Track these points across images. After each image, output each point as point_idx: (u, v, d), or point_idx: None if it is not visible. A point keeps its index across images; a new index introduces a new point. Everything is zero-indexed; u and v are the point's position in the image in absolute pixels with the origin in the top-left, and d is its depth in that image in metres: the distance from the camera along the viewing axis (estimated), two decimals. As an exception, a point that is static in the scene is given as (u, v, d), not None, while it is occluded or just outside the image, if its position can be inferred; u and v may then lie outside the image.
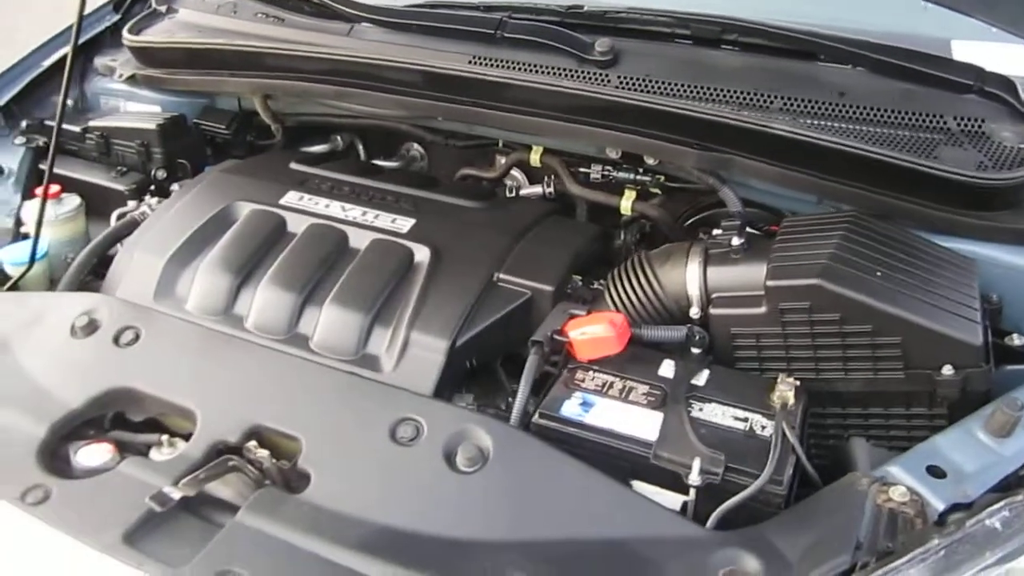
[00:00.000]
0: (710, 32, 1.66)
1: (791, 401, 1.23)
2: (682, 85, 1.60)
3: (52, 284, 1.72)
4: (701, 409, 1.24)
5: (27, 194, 1.88)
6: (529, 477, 1.11)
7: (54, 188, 1.78)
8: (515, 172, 1.97)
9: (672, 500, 1.17)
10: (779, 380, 1.25)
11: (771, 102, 1.54)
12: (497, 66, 1.70)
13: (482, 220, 1.65)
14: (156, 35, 2.11)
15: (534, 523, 1.07)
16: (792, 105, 1.53)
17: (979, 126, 1.48)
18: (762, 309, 1.33)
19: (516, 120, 1.68)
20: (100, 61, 2.18)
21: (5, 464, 1.18)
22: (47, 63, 2.13)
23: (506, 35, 1.72)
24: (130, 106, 2.13)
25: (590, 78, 1.64)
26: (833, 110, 1.53)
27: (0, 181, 1.90)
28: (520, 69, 1.69)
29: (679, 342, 1.37)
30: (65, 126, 2.03)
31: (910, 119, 1.50)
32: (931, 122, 1.49)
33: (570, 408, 1.24)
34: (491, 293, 1.47)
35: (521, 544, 1.05)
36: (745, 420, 1.22)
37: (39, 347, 1.38)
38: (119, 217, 1.83)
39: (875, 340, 1.27)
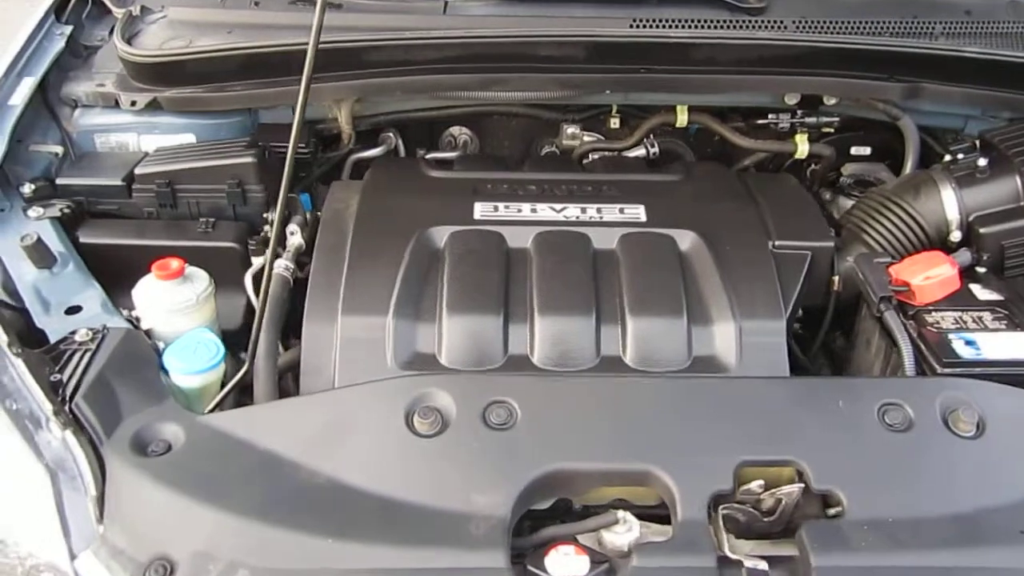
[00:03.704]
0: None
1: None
2: (841, 22, 1.63)
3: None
4: (1049, 319, 1.34)
5: (105, 278, 1.39)
6: (1030, 424, 1.12)
7: (175, 264, 1.34)
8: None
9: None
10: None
11: (932, 27, 1.63)
12: (659, 26, 1.59)
13: (699, 192, 1.56)
14: (157, 45, 1.64)
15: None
16: (948, 28, 1.64)
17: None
18: (1034, 218, 1.45)
19: (697, 81, 1.60)
20: (82, 89, 1.64)
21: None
22: (16, 103, 1.55)
23: (657, -8, 1.60)
24: (147, 140, 1.64)
25: (761, 26, 1.60)
26: (969, 27, 1.66)
27: (59, 272, 1.37)
28: (677, 26, 1.60)
29: (967, 265, 1.45)
30: (83, 181, 1.54)
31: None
32: (1050, 27, 1.69)
33: (963, 350, 1.27)
34: (779, 262, 1.42)
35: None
36: (1087, 319, 1.34)
37: (377, 459, 1.07)
38: (256, 280, 1.45)
39: None
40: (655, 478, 1.05)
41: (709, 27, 1.60)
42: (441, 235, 1.43)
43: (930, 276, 1.34)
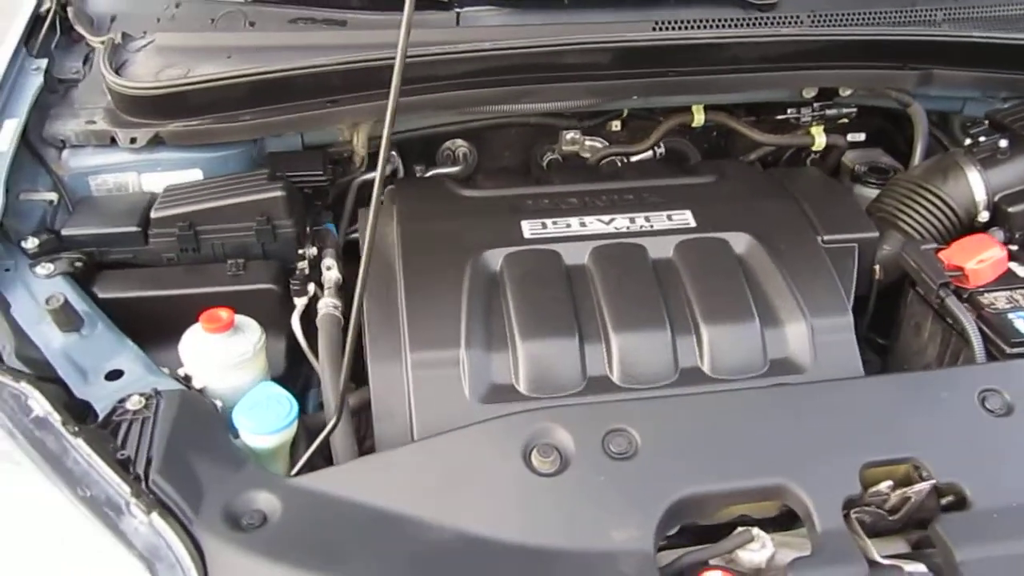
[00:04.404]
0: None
1: None
2: (849, 14, 1.66)
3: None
4: (1094, 292, 1.40)
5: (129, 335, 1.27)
6: None
7: (224, 314, 1.23)
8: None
9: None
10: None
11: (934, 15, 1.68)
12: (680, 28, 1.58)
13: (739, 192, 1.55)
14: (152, 74, 1.51)
15: None
16: (948, 14, 1.70)
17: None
18: (1056, 194, 1.51)
19: (721, 81, 1.59)
20: (70, 128, 1.49)
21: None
22: (3, 148, 1.39)
23: (676, -8, 1.59)
24: (149, 179, 1.50)
25: (778, 22, 1.61)
26: (965, 12, 1.72)
27: (88, 334, 1.23)
28: (696, 27, 1.59)
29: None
30: (92, 230, 1.41)
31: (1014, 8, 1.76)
32: (1032, 8, 1.77)
33: (1024, 328, 1.31)
34: (830, 257, 1.43)
35: None
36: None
37: (503, 505, 1.02)
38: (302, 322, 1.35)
39: None
40: (788, 491, 1.04)
41: (727, 26, 1.60)
42: (495, 258, 1.37)
43: (983, 259, 1.38)
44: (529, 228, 1.43)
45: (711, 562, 1.03)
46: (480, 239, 1.40)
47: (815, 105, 1.71)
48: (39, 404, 1.07)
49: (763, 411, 1.13)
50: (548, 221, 1.45)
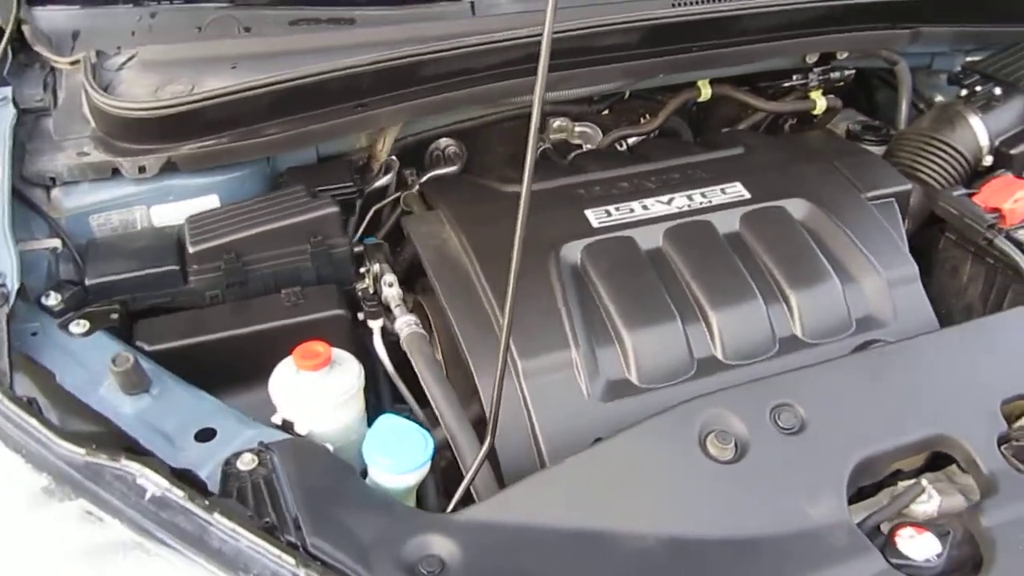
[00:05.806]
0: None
1: None
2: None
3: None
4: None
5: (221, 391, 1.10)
6: None
7: (321, 348, 1.09)
8: None
9: None
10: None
11: (909, -25, 1.77)
12: (695, 3, 1.57)
13: (776, 160, 1.57)
14: (149, 92, 1.33)
15: None
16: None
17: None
18: (1053, 131, 1.63)
19: (736, 53, 1.60)
20: (60, 163, 1.28)
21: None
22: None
23: (682, -34, 1.58)
24: (160, 211, 1.32)
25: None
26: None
27: (159, 393, 1.06)
28: (705, 1, 1.59)
29: (1009, 184, 1.60)
30: (123, 276, 1.23)
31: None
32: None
33: (1068, 258, 1.40)
34: (880, 212, 1.47)
35: None
36: None
37: (695, 501, 0.97)
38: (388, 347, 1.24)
39: None
40: (947, 439, 1.06)
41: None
42: (574, 251, 1.32)
43: (1018, 199, 1.47)
44: (595, 217, 1.38)
45: (884, 525, 1.03)
46: (551, 234, 1.33)
47: (817, 70, 1.76)
48: (151, 482, 0.91)
49: (897, 366, 1.14)
50: (611, 208, 1.40)
